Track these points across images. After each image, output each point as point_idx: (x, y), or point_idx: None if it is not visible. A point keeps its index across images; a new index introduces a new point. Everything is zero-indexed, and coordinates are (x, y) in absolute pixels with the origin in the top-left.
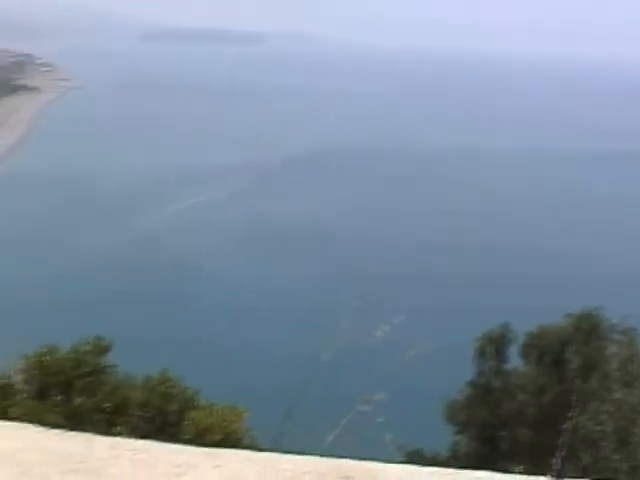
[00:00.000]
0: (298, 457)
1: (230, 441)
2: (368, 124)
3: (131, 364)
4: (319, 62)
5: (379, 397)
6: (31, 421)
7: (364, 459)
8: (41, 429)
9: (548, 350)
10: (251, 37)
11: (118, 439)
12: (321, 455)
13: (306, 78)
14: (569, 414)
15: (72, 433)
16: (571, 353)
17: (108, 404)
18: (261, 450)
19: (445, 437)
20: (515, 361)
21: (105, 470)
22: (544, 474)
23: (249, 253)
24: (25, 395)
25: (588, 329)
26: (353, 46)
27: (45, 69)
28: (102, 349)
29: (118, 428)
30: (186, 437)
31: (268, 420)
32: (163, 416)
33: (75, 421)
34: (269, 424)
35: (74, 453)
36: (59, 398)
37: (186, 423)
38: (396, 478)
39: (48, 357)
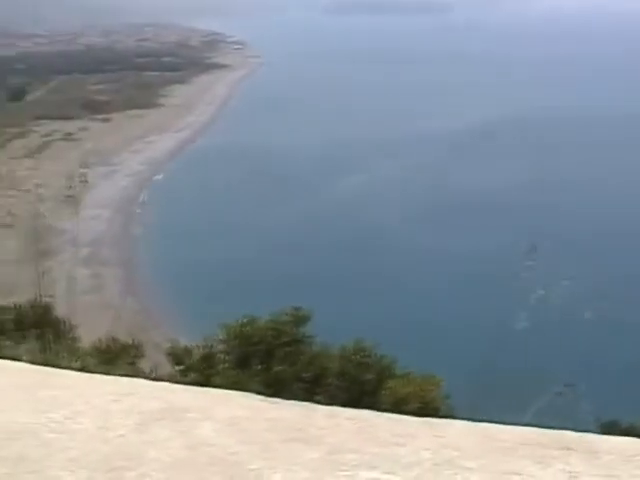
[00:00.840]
0: (516, 428)
1: (428, 410)
2: (569, 90)
3: (329, 336)
4: (511, 28)
5: (573, 379)
6: (234, 389)
7: (579, 430)
8: (261, 398)
9: None
10: (438, 6)
11: (336, 408)
12: (538, 426)
13: (498, 46)
14: None
15: (290, 402)
16: None
17: (307, 373)
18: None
19: None
20: None
21: (325, 439)
22: None
23: (436, 225)
24: (227, 364)
25: None
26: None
27: (236, 47)
28: (301, 319)
29: (317, 397)
30: (385, 407)
31: (463, 390)
32: (360, 385)
33: (275, 389)
34: (463, 394)
35: (294, 422)
36: (259, 367)
37: (383, 392)
38: (618, 452)
39: (248, 327)
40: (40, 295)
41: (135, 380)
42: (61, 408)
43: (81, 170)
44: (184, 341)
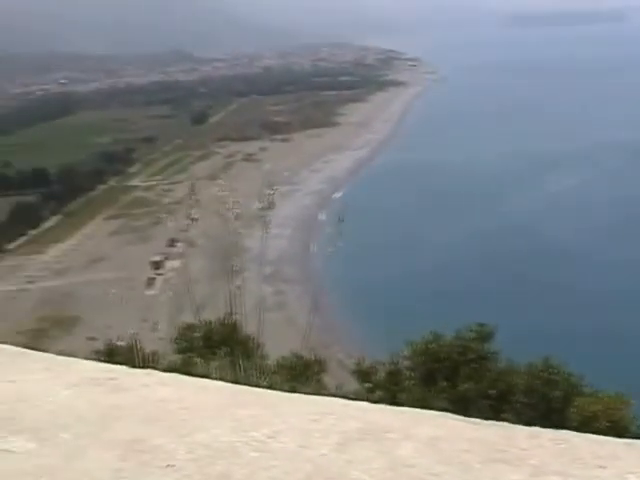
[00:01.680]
0: None
1: (617, 429)
2: None
3: (511, 352)
4: None
5: None
6: (420, 407)
7: None
8: (458, 417)
9: None
10: (610, 15)
11: (537, 429)
12: None
13: None
14: None
15: (488, 422)
16: None
17: (493, 390)
18: None
19: None
20: None
21: (527, 460)
22: None
23: (622, 237)
24: (412, 381)
25: None
26: None
27: (411, 63)
28: (485, 336)
29: (504, 414)
30: (572, 425)
31: None
32: (547, 403)
33: (461, 406)
34: None
35: (494, 442)
36: (445, 384)
37: (571, 410)
38: None
39: (434, 344)
40: (228, 313)
41: (331, 399)
42: (262, 427)
43: (265, 190)
44: (365, 357)
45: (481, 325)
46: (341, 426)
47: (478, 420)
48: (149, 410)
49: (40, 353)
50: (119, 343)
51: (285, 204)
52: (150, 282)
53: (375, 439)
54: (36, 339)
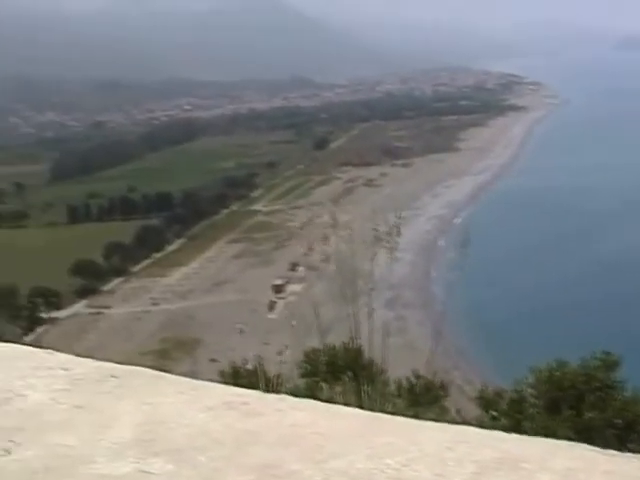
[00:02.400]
0: None
1: None
2: None
3: (638, 381)
4: None
5: None
6: (544, 435)
7: None
8: (592, 448)
9: None
10: None
11: None
12: None
13: None
14: None
15: (626, 455)
16: None
17: (619, 420)
18: None
19: None
20: None
21: None
22: None
23: None
24: (536, 410)
25: None
26: None
27: (532, 87)
28: (611, 364)
29: (630, 444)
30: None
31: None
32: None
33: (586, 436)
34: None
35: (632, 476)
36: (569, 413)
37: None
38: None
39: (558, 372)
40: (352, 337)
41: (464, 427)
42: (396, 455)
43: (387, 215)
44: (487, 383)
45: (607, 353)
46: (476, 455)
47: (614, 452)
48: (283, 435)
49: (174, 376)
50: (243, 366)
51: (406, 229)
52: (272, 305)
53: (511, 469)
54: (159, 360)
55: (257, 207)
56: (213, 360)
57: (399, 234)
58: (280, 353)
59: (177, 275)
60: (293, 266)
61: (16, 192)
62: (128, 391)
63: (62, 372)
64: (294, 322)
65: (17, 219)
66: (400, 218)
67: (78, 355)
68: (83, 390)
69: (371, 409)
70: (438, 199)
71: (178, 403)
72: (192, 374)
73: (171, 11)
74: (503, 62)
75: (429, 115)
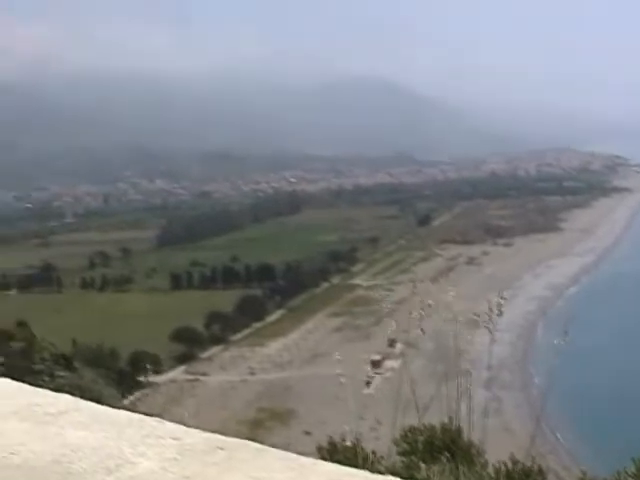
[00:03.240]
0: None
1: None
2: None
3: None
4: None
5: None
6: None
7: None
8: None
9: None
10: None
11: None
12: None
13: None
14: None
15: None
16: None
17: None
18: None
19: None
20: None
21: None
22: None
23: None
24: None
25: None
26: None
27: (636, 169)
28: None
29: None
30: None
31: None
32: None
33: None
34: None
35: None
36: None
37: None
38: None
39: None
40: (450, 417)
41: None
42: None
43: (489, 294)
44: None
45: None
46: None
47: None
48: None
49: (281, 451)
50: (340, 441)
51: (506, 309)
52: (368, 380)
53: None
54: (254, 429)
55: (358, 281)
56: (307, 433)
57: (500, 314)
58: (375, 429)
59: (276, 345)
60: (391, 342)
61: (122, 257)
62: (235, 464)
63: (171, 441)
64: (390, 398)
65: (122, 283)
66: (502, 299)
67: (185, 424)
68: (192, 460)
69: None
70: (539, 280)
71: (286, 479)
72: (286, 446)
73: (283, 84)
74: (610, 143)
75: (532, 195)
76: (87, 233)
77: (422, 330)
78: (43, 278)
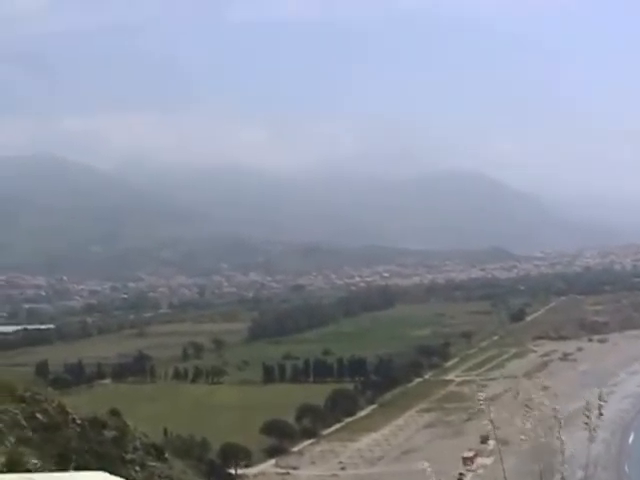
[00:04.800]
0: None
1: None
2: None
3: None
4: None
5: None
6: None
7: None
8: None
9: None
10: None
11: None
12: None
13: None
14: None
15: None
16: None
17: None
18: None
19: None
20: None
21: None
22: None
23: None
24: None
25: None
26: None
27: None
28: None
29: None
30: None
31: None
32: None
33: None
34: None
35: None
36: None
37: None
38: None
39: None
40: None
41: None
42: None
43: (583, 392)
44: None
45: None
46: None
47: None
48: None
49: None
50: None
51: (601, 406)
52: (460, 478)
53: None
54: None
55: (450, 377)
56: None
57: (600, 414)
58: None
59: (366, 440)
60: (484, 439)
61: (215, 349)
62: None
63: None
64: None
65: (214, 375)
66: (600, 398)
67: None
68: None
69: None
70: (636, 377)
71: None
72: None
73: (379, 179)
74: None
75: (628, 290)
76: (181, 324)
77: (516, 427)
78: (137, 367)
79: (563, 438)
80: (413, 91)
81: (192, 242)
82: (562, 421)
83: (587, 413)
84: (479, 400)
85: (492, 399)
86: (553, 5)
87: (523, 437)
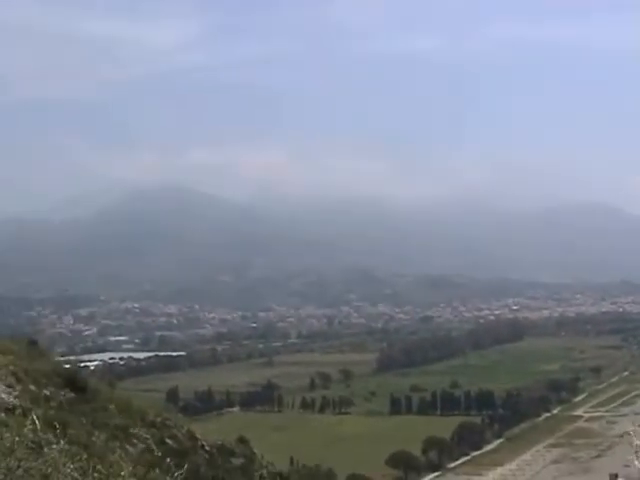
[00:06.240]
0: None
1: None
2: None
3: None
4: None
5: None
6: None
7: None
8: None
9: None
10: None
11: None
12: None
13: None
14: None
15: None
16: None
17: None
18: None
19: None
20: None
21: None
22: None
23: None
24: None
25: None
26: None
27: None
28: None
29: None
30: None
31: None
32: None
33: None
34: None
35: None
36: None
37: None
38: None
39: None
40: None
41: None
42: None
43: None
44: None
45: None
46: None
47: None
48: None
49: None
50: None
51: None
52: None
53: None
54: None
55: (579, 412)
56: None
57: None
58: None
59: (492, 475)
60: (613, 477)
61: (342, 379)
62: None
63: None
64: None
65: (341, 405)
66: None
67: None
68: None
69: None
70: None
71: None
72: None
73: (506, 210)
74: None
75: None
76: (309, 354)
77: None
78: (265, 396)
79: None
80: (541, 123)
81: (320, 273)
82: None
83: None
84: (608, 437)
85: (622, 436)
86: None
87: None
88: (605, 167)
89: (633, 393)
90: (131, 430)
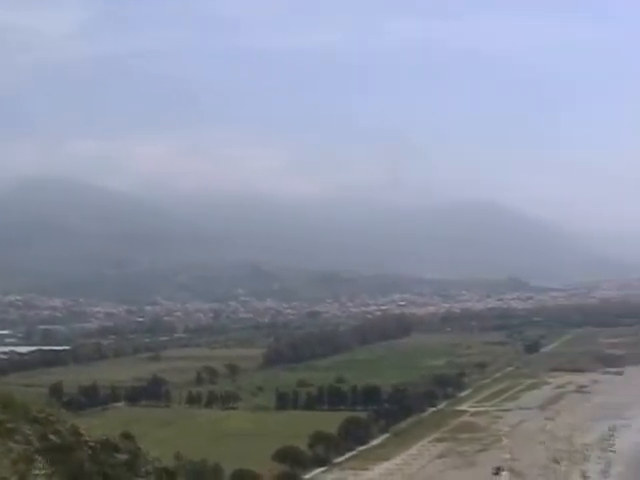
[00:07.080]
0: None
1: None
2: None
3: None
4: None
5: None
6: None
7: None
8: None
9: None
10: None
11: None
12: None
13: None
14: None
15: None
16: None
17: None
18: None
19: None
20: None
21: None
22: None
23: None
24: None
25: None
26: None
27: None
28: None
29: None
30: None
31: None
32: None
33: None
34: None
35: None
36: None
37: None
38: None
39: None
40: None
41: None
42: None
43: (597, 425)
44: None
45: None
46: None
47: None
48: None
49: None
50: None
51: (615, 439)
52: None
53: None
54: None
55: (464, 407)
56: None
57: (611, 447)
58: None
59: (378, 470)
60: (497, 470)
61: (229, 374)
62: None
63: None
64: None
65: (228, 400)
66: (612, 431)
67: None
68: None
69: None
70: None
71: None
72: None
73: (394, 209)
74: None
75: None
76: (196, 349)
77: (529, 458)
78: (151, 391)
79: (576, 470)
80: (433, 120)
81: (209, 267)
82: (577, 453)
83: (601, 447)
84: (493, 431)
85: (506, 430)
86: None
87: (536, 469)
88: (494, 166)
89: (517, 388)
90: (11, 425)
